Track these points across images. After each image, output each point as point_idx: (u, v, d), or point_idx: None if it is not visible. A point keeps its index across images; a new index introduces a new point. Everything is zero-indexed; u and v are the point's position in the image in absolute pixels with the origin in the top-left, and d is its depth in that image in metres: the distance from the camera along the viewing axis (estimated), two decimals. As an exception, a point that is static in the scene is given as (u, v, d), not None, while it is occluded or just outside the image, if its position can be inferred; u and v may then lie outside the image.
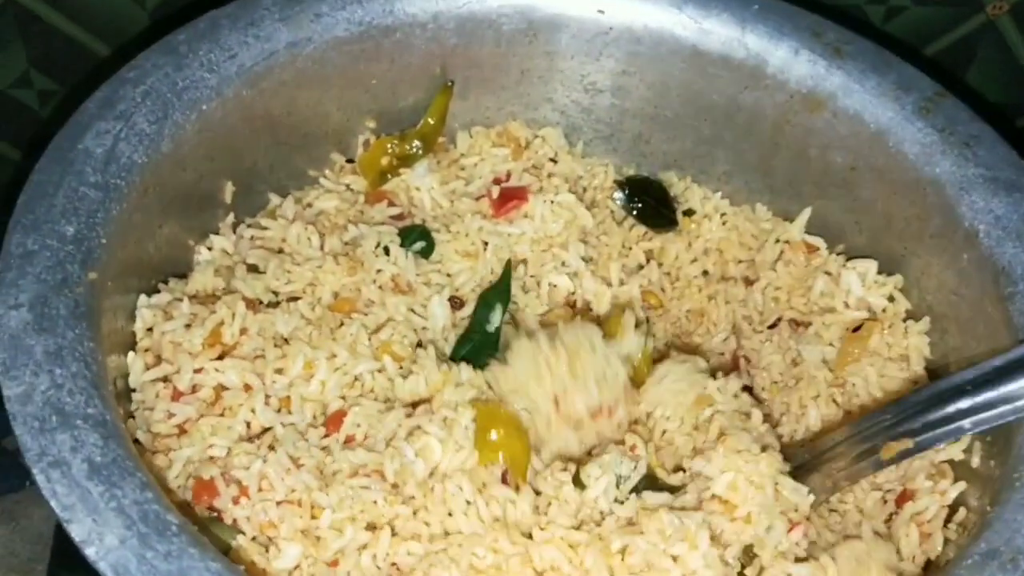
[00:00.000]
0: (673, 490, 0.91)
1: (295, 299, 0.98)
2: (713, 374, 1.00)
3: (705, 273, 1.12)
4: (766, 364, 1.05)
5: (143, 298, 0.94)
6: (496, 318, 1.03)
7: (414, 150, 1.11)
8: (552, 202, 1.09)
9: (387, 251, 1.02)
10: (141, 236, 0.93)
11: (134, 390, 0.90)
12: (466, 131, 1.15)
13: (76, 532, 0.71)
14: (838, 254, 1.08)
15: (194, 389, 0.90)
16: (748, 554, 0.88)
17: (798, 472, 0.92)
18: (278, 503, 0.86)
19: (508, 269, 1.06)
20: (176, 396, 0.89)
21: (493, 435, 0.91)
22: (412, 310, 1.01)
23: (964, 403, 0.86)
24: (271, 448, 0.88)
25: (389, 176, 1.10)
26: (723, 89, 1.09)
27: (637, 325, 1.04)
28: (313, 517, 0.86)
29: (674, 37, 1.09)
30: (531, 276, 1.07)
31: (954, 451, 0.93)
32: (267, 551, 0.85)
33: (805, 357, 1.04)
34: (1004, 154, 1.00)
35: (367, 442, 0.91)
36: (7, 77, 1.20)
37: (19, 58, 1.19)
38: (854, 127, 1.05)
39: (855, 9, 1.25)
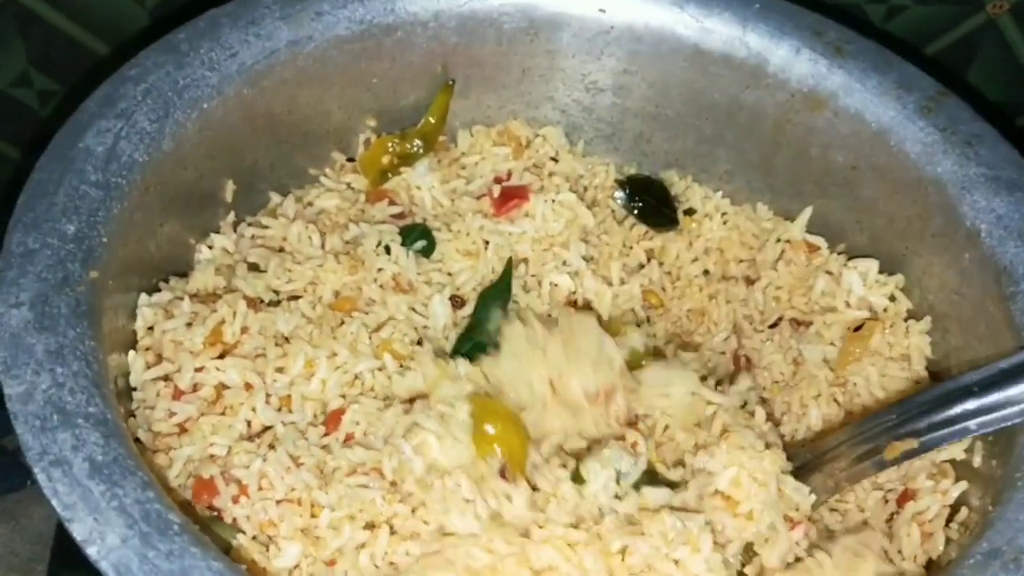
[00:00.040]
0: (673, 486, 0.91)
1: (296, 298, 0.98)
2: (705, 377, 1.00)
3: (706, 272, 1.12)
4: (767, 364, 1.05)
5: (144, 297, 0.94)
6: (496, 316, 1.03)
7: (415, 149, 1.11)
8: (553, 201, 1.09)
9: (388, 250, 1.02)
10: (142, 235, 0.92)
11: (135, 389, 0.90)
12: (467, 130, 1.15)
13: (77, 531, 0.71)
14: (839, 253, 1.08)
15: (195, 388, 0.90)
16: (748, 552, 0.88)
17: (799, 472, 0.92)
18: (278, 502, 0.86)
19: (509, 268, 1.06)
20: (177, 395, 0.89)
21: (490, 429, 0.90)
22: (413, 309, 1.01)
23: (970, 404, 0.85)
24: (271, 447, 0.88)
25: (390, 175, 1.10)
26: (724, 88, 1.09)
27: (638, 324, 1.05)
28: (313, 516, 0.86)
29: (675, 36, 1.08)
30: (532, 275, 1.07)
31: (956, 451, 0.93)
32: (267, 550, 0.85)
33: (806, 357, 1.04)
34: (1006, 153, 1.00)
35: (367, 440, 0.90)
36: (7, 76, 1.20)
37: (19, 57, 1.19)
38: (855, 126, 1.04)
39: (856, 8, 1.25)
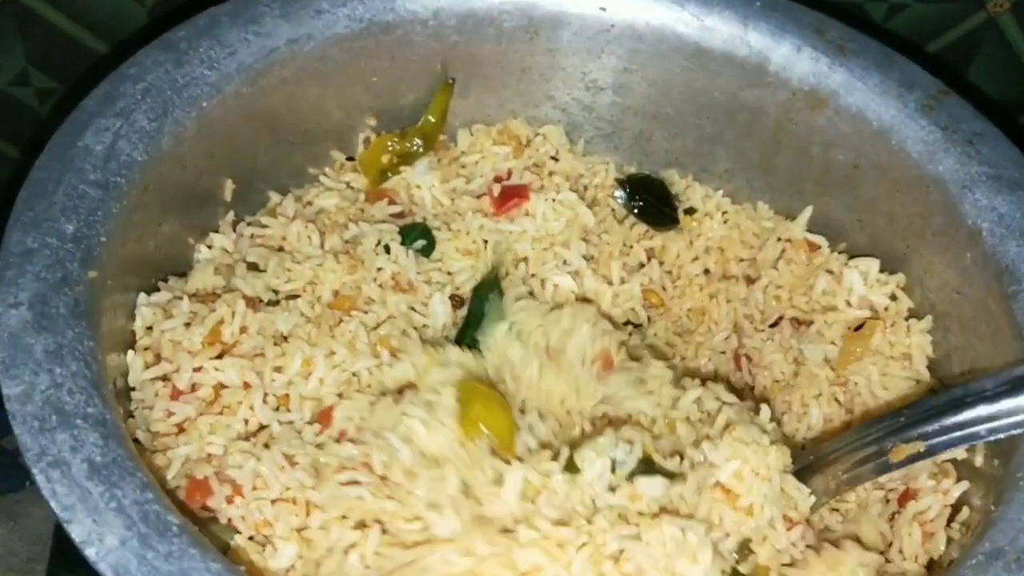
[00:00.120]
0: (671, 476, 0.89)
1: (295, 297, 0.97)
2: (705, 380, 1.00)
3: (706, 272, 1.12)
4: (768, 363, 1.05)
5: (143, 296, 0.94)
6: (492, 309, 1.03)
7: (415, 148, 1.11)
8: (553, 200, 1.09)
9: (388, 249, 1.02)
10: (141, 234, 0.92)
11: (133, 389, 0.90)
12: (467, 129, 1.14)
13: (76, 532, 0.71)
14: (840, 252, 1.08)
15: (193, 388, 0.90)
16: (744, 550, 0.87)
17: (800, 474, 0.91)
18: (273, 501, 0.85)
19: (496, 265, 1.06)
20: (175, 395, 0.89)
21: (476, 410, 0.90)
22: (413, 308, 1.01)
23: (982, 410, 0.84)
24: (266, 446, 0.88)
25: (390, 174, 1.10)
26: (725, 87, 1.09)
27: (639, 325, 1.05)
28: (308, 515, 0.85)
29: (676, 35, 1.08)
30: (532, 275, 1.07)
31: (957, 450, 0.92)
32: (264, 550, 0.84)
33: (807, 356, 1.03)
34: (1007, 152, 1.00)
35: (360, 435, 0.90)
36: (6, 75, 1.20)
37: (17, 56, 1.19)
38: (856, 125, 1.04)
39: (857, 7, 1.25)
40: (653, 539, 0.84)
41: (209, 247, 1.01)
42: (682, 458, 0.90)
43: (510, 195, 1.09)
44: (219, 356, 0.91)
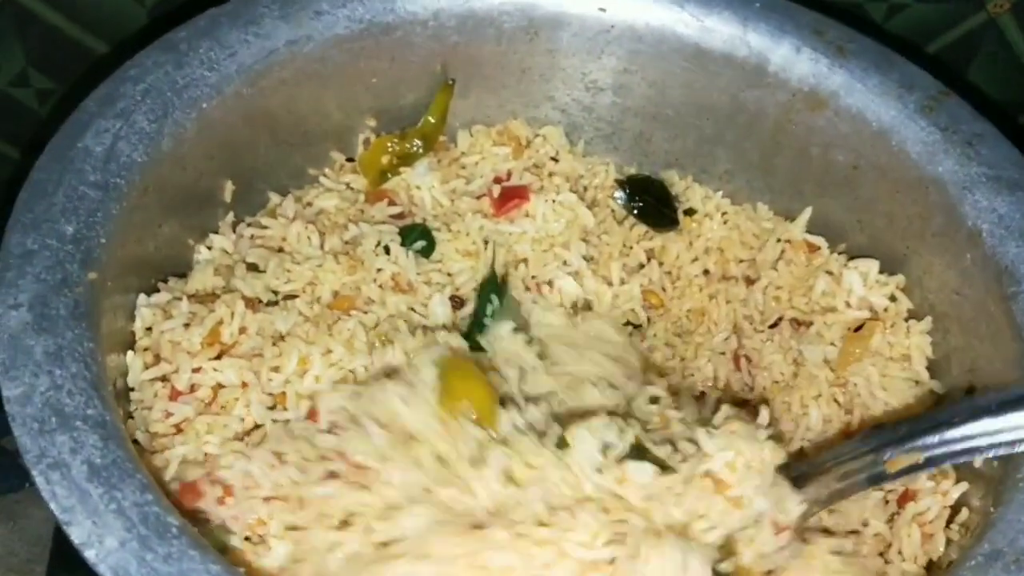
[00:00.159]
0: (661, 465, 0.87)
1: (294, 297, 0.97)
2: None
3: (706, 272, 1.12)
4: (767, 364, 1.05)
5: (143, 297, 0.94)
6: (493, 311, 1.03)
7: (415, 149, 1.11)
8: (553, 201, 1.09)
9: (387, 250, 1.02)
10: (141, 235, 0.92)
11: (133, 389, 0.90)
12: (467, 130, 1.14)
13: (76, 534, 0.71)
14: (839, 253, 1.08)
15: (192, 388, 0.90)
16: (727, 549, 0.86)
17: (793, 483, 0.89)
18: (265, 499, 0.85)
19: (494, 261, 1.06)
20: (174, 395, 0.89)
21: (454, 380, 0.90)
22: (412, 309, 1.00)
23: (984, 425, 0.83)
24: (255, 445, 0.88)
25: (389, 175, 1.10)
26: (725, 87, 1.09)
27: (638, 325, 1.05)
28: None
29: (676, 35, 1.08)
30: (532, 276, 1.07)
31: (956, 463, 0.92)
32: (257, 549, 0.85)
33: (806, 357, 1.03)
34: (1007, 153, 1.00)
35: (341, 424, 0.90)
36: (5, 76, 1.20)
37: (17, 57, 1.19)
38: (856, 126, 1.04)
39: (856, 7, 1.25)
40: (653, 557, 0.82)
41: (209, 248, 1.01)
42: (675, 448, 0.88)
43: (510, 196, 1.09)
44: (218, 357, 0.91)
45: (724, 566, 0.85)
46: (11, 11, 1.14)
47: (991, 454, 0.84)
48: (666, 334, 1.10)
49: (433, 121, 1.11)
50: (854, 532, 0.94)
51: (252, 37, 0.99)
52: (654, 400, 0.95)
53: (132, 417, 0.89)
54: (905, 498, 0.93)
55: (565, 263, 1.07)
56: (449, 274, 1.05)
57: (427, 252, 1.05)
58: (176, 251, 0.99)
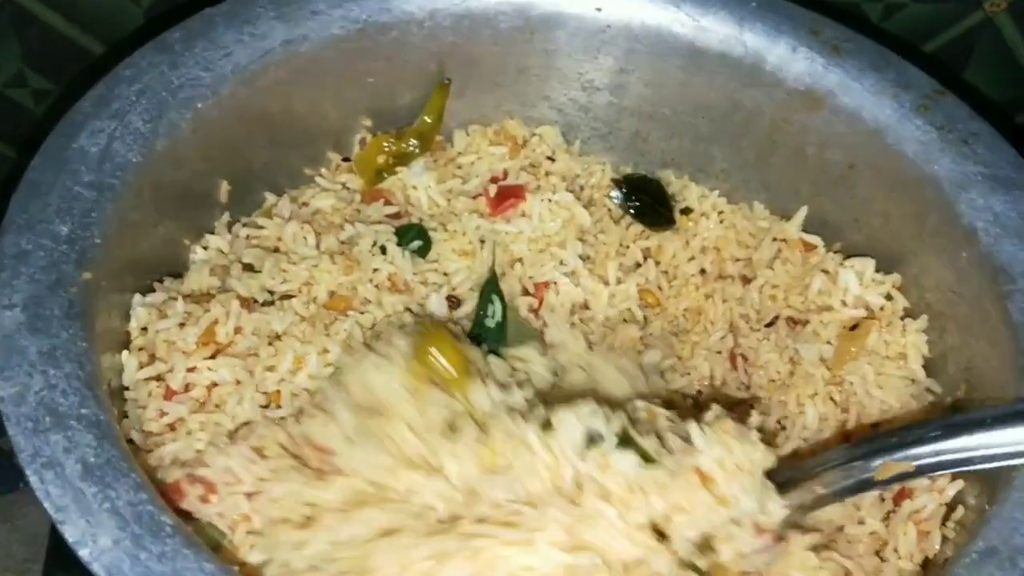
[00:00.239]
0: (646, 458, 0.86)
1: (290, 297, 0.97)
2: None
3: (702, 271, 1.12)
4: (763, 362, 1.05)
5: (138, 297, 0.94)
6: (494, 311, 1.03)
7: (411, 148, 1.11)
8: (549, 201, 1.09)
9: (384, 250, 1.02)
10: (136, 235, 0.92)
11: (128, 389, 0.90)
12: (463, 129, 1.14)
13: (70, 533, 0.71)
14: (835, 252, 1.08)
15: (187, 388, 0.90)
16: (705, 545, 0.85)
17: (779, 487, 0.88)
18: (248, 495, 0.86)
19: (494, 261, 1.06)
20: (169, 395, 0.89)
21: (427, 344, 0.90)
22: (409, 309, 1.00)
23: (979, 438, 0.82)
24: (241, 440, 0.89)
25: (386, 175, 1.10)
26: (721, 87, 1.09)
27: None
28: None
29: (672, 35, 1.08)
30: (529, 276, 1.07)
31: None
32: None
33: (802, 355, 1.03)
34: (1003, 151, 1.00)
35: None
36: (2, 76, 1.20)
37: (13, 57, 1.19)
38: (852, 125, 1.04)
39: (853, 7, 1.25)
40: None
41: (205, 248, 1.01)
42: (662, 442, 0.87)
43: (506, 195, 1.09)
44: (213, 356, 0.91)
45: (701, 563, 0.84)
46: (8, 11, 1.14)
47: (983, 467, 0.83)
48: (663, 333, 1.10)
49: (429, 121, 1.11)
50: (839, 529, 0.94)
51: (247, 37, 0.99)
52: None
53: (127, 416, 0.89)
54: (901, 496, 0.93)
55: (561, 263, 1.07)
56: (446, 274, 1.05)
57: (423, 252, 1.05)
58: (172, 251, 0.99)
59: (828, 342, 1.03)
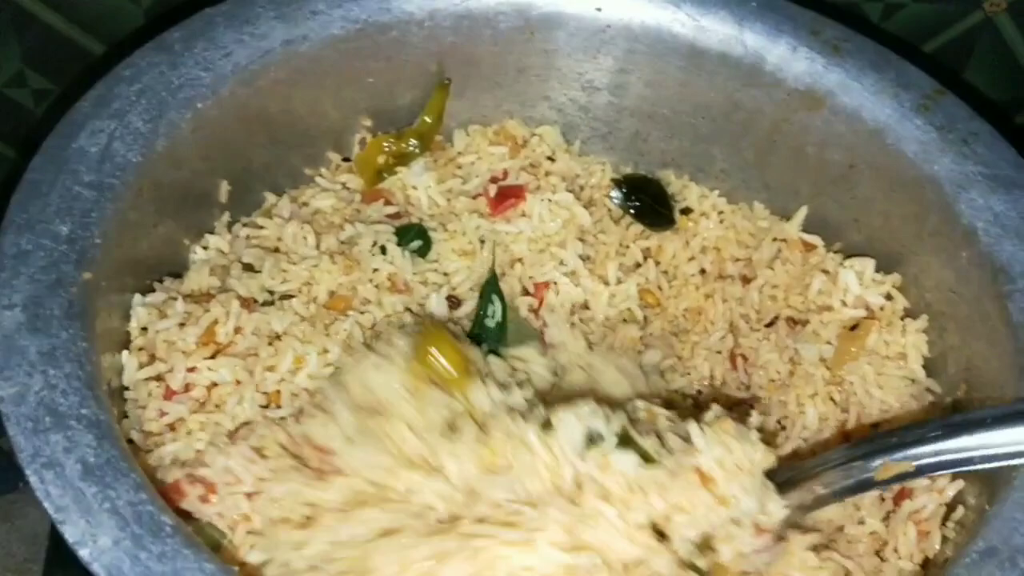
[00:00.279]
0: (646, 458, 0.86)
1: (290, 297, 0.97)
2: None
3: (702, 271, 1.12)
4: (763, 362, 1.05)
5: (138, 297, 0.94)
6: (494, 311, 1.03)
7: (411, 148, 1.11)
8: (549, 201, 1.09)
9: (384, 250, 1.02)
10: (136, 235, 0.92)
11: (128, 388, 0.90)
12: (463, 129, 1.14)
13: (70, 533, 0.71)
14: (835, 252, 1.08)
15: (187, 388, 0.90)
16: (705, 545, 0.85)
17: (779, 488, 0.88)
18: (248, 495, 0.86)
19: (493, 261, 1.06)
20: (169, 395, 0.89)
21: (426, 343, 0.91)
22: (409, 309, 1.01)
23: (979, 438, 0.82)
24: (241, 440, 0.89)
25: (386, 175, 1.10)
26: (721, 87, 1.09)
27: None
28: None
29: (672, 35, 1.08)
30: (529, 276, 1.07)
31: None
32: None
33: (802, 355, 1.03)
34: (1003, 151, 1.00)
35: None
36: (2, 76, 1.20)
37: (13, 57, 1.19)
38: (852, 125, 1.04)
39: (853, 6, 1.25)
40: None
41: (205, 248, 1.01)
42: (661, 442, 0.87)
43: (506, 195, 1.09)
44: (213, 356, 0.91)
45: (701, 563, 0.84)
46: (8, 11, 1.14)
47: (983, 467, 0.83)
48: (663, 333, 1.10)
49: (429, 121, 1.11)
50: (839, 529, 0.94)
51: (247, 37, 0.99)
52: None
53: (127, 416, 0.89)
54: (901, 496, 0.93)
55: (562, 263, 1.07)
56: (446, 274, 1.05)
57: (423, 252, 1.05)
58: (171, 251, 0.99)
59: (828, 342, 1.03)
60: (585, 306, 1.08)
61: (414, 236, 1.05)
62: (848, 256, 1.07)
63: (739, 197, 1.14)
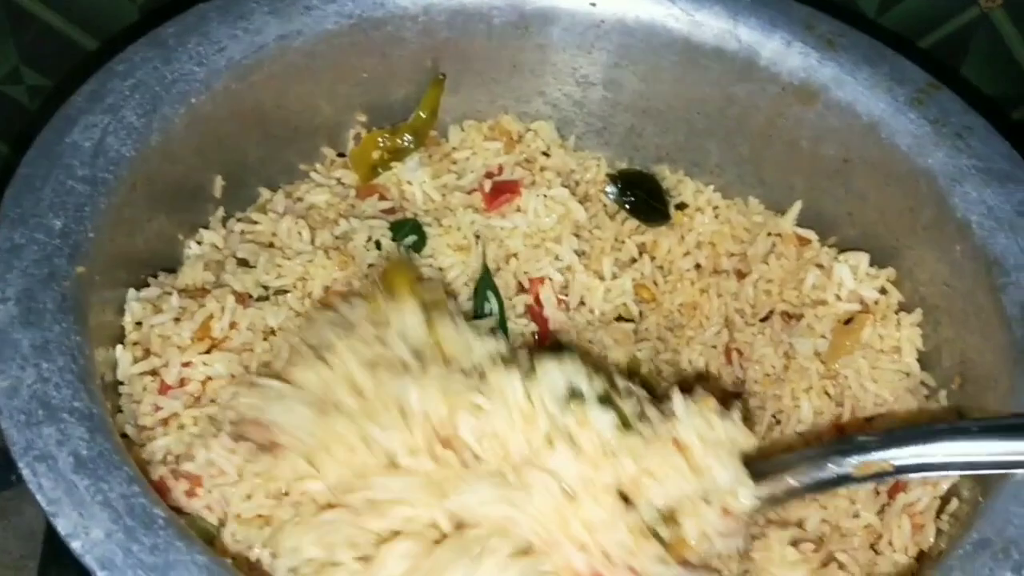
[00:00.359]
0: (625, 423, 0.85)
1: (285, 293, 0.97)
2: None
3: (697, 266, 1.12)
4: (758, 357, 1.05)
5: (132, 292, 0.94)
6: (491, 309, 1.04)
7: (405, 144, 1.11)
8: (545, 196, 1.09)
9: (378, 245, 1.02)
10: (130, 230, 0.92)
11: (122, 383, 0.90)
12: (458, 125, 1.14)
13: (62, 526, 0.71)
14: (830, 246, 1.08)
15: (182, 383, 0.90)
16: (671, 518, 0.84)
17: (753, 477, 0.86)
18: (234, 485, 0.86)
19: (484, 257, 1.07)
20: (164, 389, 0.89)
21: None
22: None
23: (963, 447, 0.81)
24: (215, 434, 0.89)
25: (380, 170, 1.10)
26: (715, 82, 1.09)
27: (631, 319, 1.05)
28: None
29: (666, 29, 1.08)
30: (524, 271, 1.07)
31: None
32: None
33: (797, 350, 1.03)
34: (996, 145, 1.00)
35: None
36: (-2, 73, 1.21)
37: (9, 54, 1.19)
38: (846, 119, 1.04)
39: (849, 2, 1.25)
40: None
41: (199, 243, 1.01)
42: (642, 412, 0.86)
43: (501, 191, 1.09)
44: (208, 351, 0.91)
45: (664, 533, 0.83)
46: (5, 9, 1.15)
47: (964, 473, 0.83)
48: (658, 328, 1.10)
49: (424, 116, 1.11)
50: (835, 525, 0.94)
51: (241, 32, 0.99)
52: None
53: (121, 411, 0.89)
54: (896, 489, 0.93)
55: (557, 258, 1.08)
56: (440, 269, 1.05)
57: (418, 247, 1.05)
58: (166, 246, 0.99)
59: (823, 336, 1.03)
60: (581, 301, 1.08)
61: (409, 231, 1.05)
62: (842, 250, 1.06)
63: (734, 192, 1.14)
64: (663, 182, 1.15)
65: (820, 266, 1.06)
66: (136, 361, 0.90)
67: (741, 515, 0.85)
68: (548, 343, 1.06)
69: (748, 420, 0.89)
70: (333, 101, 1.07)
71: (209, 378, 0.91)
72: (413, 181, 1.10)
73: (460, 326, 0.89)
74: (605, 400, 0.85)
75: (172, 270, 0.98)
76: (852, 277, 1.03)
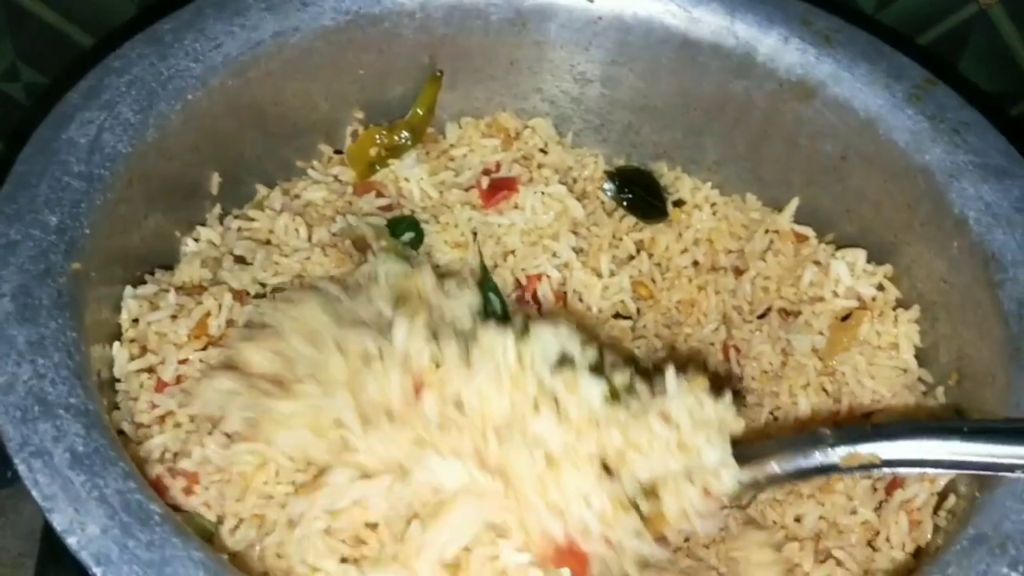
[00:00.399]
0: (615, 395, 0.85)
1: (282, 290, 0.97)
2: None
3: (695, 263, 1.12)
4: (756, 354, 1.05)
5: (129, 289, 0.93)
6: (493, 309, 1.03)
7: (403, 141, 1.11)
8: (542, 193, 1.09)
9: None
10: (126, 226, 0.92)
11: (119, 380, 0.90)
12: (455, 122, 1.14)
13: (58, 521, 0.71)
14: (827, 243, 1.08)
15: (178, 380, 0.90)
16: (651, 492, 0.83)
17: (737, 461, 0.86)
18: (229, 480, 0.86)
19: (481, 256, 1.07)
20: (160, 387, 0.89)
21: None
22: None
23: (953, 446, 0.81)
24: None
25: (377, 167, 1.10)
26: (713, 78, 1.09)
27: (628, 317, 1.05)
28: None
29: (664, 26, 1.08)
30: (522, 268, 1.07)
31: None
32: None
33: (795, 346, 1.03)
34: (994, 141, 0.99)
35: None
36: (-5, 70, 1.21)
37: (6, 51, 1.19)
38: (844, 115, 1.04)
39: (847, -2, 1.25)
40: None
41: (196, 240, 1.01)
42: (632, 388, 0.86)
43: (499, 188, 1.09)
44: (204, 348, 0.91)
45: (644, 505, 0.83)
46: (1, 6, 1.14)
47: (953, 471, 0.83)
48: (656, 325, 1.10)
49: (421, 113, 1.11)
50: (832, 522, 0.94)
51: (238, 28, 0.99)
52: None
53: (118, 408, 0.89)
54: (893, 485, 0.93)
55: (554, 255, 1.07)
56: (438, 266, 1.05)
57: (416, 244, 1.05)
58: (162, 243, 0.99)
59: (820, 333, 1.03)
60: (578, 298, 1.08)
61: (406, 228, 1.05)
62: (840, 247, 1.06)
63: (731, 189, 1.14)
64: (661, 179, 1.15)
65: (817, 263, 1.06)
66: (133, 358, 0.90)
67: (721, 496, 0.84)
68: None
69: (739, 402, 0.89)
70: (330, 98, 1.07)
71: (206, 375, 0.90)
72: (410, 178, 1.10)
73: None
74: (596, 370, 0.85)
75: (169, 267, 0.98)
76: (849, 274, 1.03)
